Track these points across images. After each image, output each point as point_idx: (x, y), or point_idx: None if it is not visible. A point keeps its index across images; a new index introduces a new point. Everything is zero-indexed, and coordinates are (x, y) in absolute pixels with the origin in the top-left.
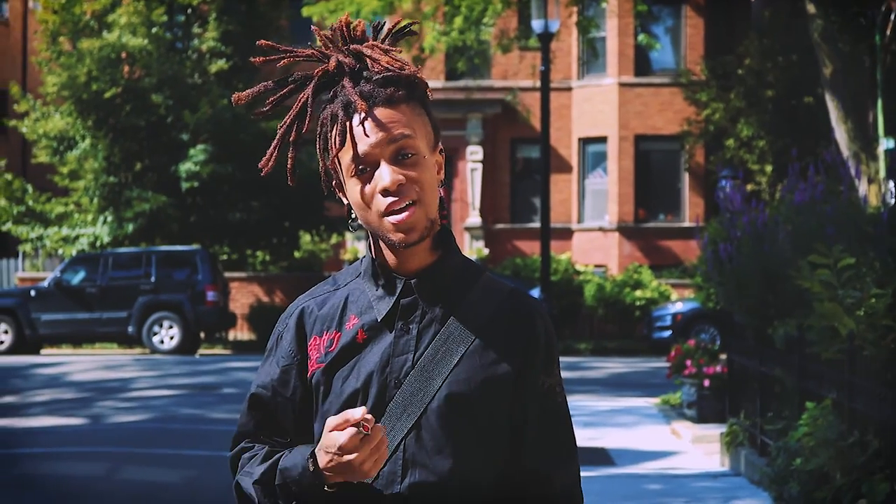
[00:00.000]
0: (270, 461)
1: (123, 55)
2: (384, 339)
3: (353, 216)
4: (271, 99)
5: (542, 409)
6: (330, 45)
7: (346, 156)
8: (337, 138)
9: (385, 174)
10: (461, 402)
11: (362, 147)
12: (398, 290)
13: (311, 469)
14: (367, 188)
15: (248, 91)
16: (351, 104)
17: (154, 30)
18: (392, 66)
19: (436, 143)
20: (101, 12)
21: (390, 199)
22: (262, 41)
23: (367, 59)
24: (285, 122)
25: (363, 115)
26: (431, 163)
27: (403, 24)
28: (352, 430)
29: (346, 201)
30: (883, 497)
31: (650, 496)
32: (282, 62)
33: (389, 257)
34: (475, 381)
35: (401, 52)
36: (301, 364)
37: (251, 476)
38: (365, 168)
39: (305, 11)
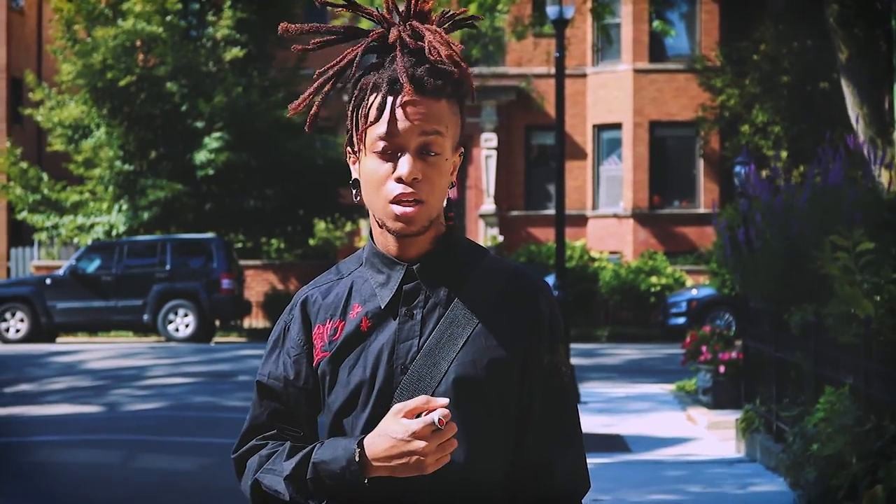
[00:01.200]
0: (301, 455)
1: (138, 43)
2: (389, 326)
3: (358, 190)
4: (317, 40)
5: (546, 388)
6: (392, 12)
7: (374, 131)
8: (374, 112)
9: (406, 164)
10: (469, 384)
11: (394, 130)
12: (400, 277)
13: (358, 459)
14: (384, 170)
15: (299, 25)
16: (398, 82)
17: (168, 18)
18: (450, 59)
19: (459, 145)
20: (116, 1)
21: (401, 189)
22: None
23: (427, 44)
24: (326, 71)
25: (406, 97)
26: (449, 165)
27: (468, 14)
28: (429, 418)
29: (355, 173)
30: None
31: (666, 482)
32: (343, 12)
33: (391, 244)
34: (482, 364)
35: (461, 46)
36: (309, 353)
37: (279, 472)
38: (388, 150)
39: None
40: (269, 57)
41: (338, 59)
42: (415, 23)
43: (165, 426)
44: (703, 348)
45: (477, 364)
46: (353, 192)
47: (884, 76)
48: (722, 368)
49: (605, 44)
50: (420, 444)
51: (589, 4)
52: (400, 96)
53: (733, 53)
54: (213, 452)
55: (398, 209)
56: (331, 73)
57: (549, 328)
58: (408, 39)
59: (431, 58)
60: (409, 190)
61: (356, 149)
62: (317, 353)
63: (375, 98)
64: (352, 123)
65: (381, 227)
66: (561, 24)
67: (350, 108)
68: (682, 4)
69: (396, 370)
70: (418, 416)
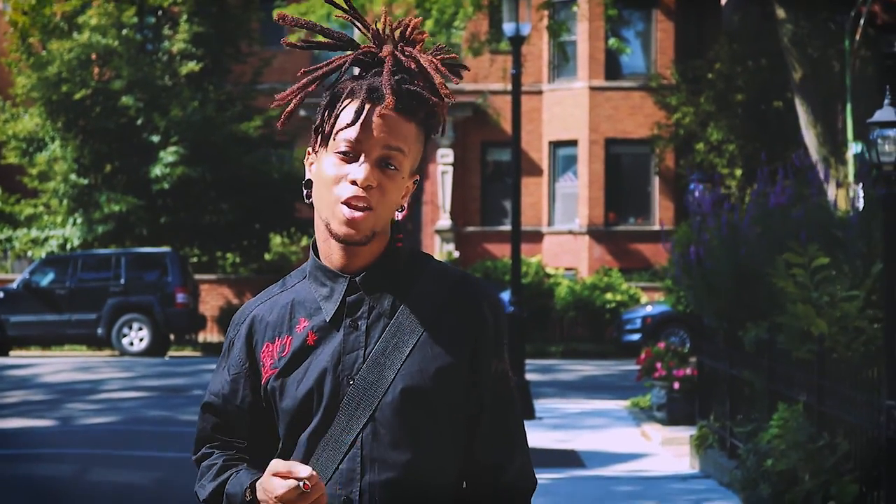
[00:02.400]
0: (220, 480)
1: (94, 56)
2: (334, 338)
3: (310, 189)
4: (315, 41)
5: (495, 394)
6: (386, 33)
7: (341, 132)
8: (348, 114)
9: (364, 170)
10: (415, 394)
11: (361, 136)
12: (343, 289)
13: (250, 500)
14: (341, 171)
15: (295, 17)
16: (377, 91)
17: (124, 31)
18: (440, 87)
19: (415, 172)
20: (72, 13)
21: (353, 192)
22: (279, 14)
23: (425, 62)
24: (314, 71)
25: (384, 109)
26: (403, 184)
27: (456, 62)
28: (292, 482)
29: (309, 173)
30: (852, 499)
31: (620, 498)
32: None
33: (335, 254)
34: (428, 372)
35: (456, 81)
36: (251, 372)
37: (204, 490)
38: (348, 151)
39: (276, 14)
40: (225, 71)
41: (328, 61)
42: (407, 48)
43: (119, 440)
44: (658, 365)
45: (423, 372)
46: (305, 192)
47: (837, 95)
48: (676, 385)
49: (562, 61)
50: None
51: (545, 22)
52: (377, 105)
53: (688, 72)
54: (167, 466)
55: (347, 211)
56: (319, 73)
57: (494, 334)
58: (402, 58)
59: (417, 81)
60: (362, 194)
61: (315, 148)
62: (265, 371)
63: (351, 102)
64: (320, 121)
65: (326, 232)
66: (517, 41)
67: (322, 106)
68: (637, 23)
69: (343, 382)
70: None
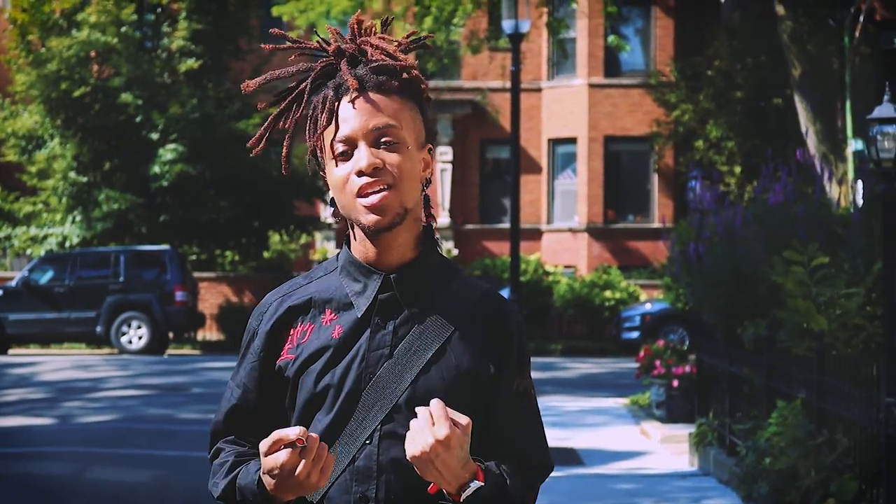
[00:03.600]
0: (231, 476)
1: (93, 54)
2: (361, 334)
3: (336, 206)
4: (278, 92)
5: (517, 412)
6: (338, 39)
7: (329, 136)
8: (325, 116)
9: (363, 155)
10: (432, 395)
11: (345, 128)
12: (377, 286)
13: (258, 491)
14: (345, 169)
15: (255, 80)
16: (342, 85)
17: (123, 29)
18: (390, 57)
19: (426, 142)
20: (71, 11)
21: (365, 181)
22: (275, 30)
23: (369, 48)
24: (281, 107)
25: (352, 95)
26: (416, 156)
27: (419, 35)
28: (287, 449)
29: (330, 192)
30: (851, 495)
31: (619, 496)
32: (290, 53)
33: (369, 251)
34: (448, 376)
35: (405, 48)
36: (270, 358)
37: (217, 488)
38: (346, 150)
39: (275, 11)
40: (224, 68)
41: (290, 88)
42: (360, 38)
43: (119, 438)
44: (657, 362)
45: (444, 378)
46: (332, 210)
47: (837, 93)
48: (675, 382)
49: (561, 58)
50: (296, 471)
51: (544, 19)
52: (346, 95)
53: (687, 69)
54: (167, 465)
55: (365, 201)
56: (284, 106)
57: (517, 352)
58: (348, 47)
59: (374, 58)
60: (373, 179)
61: (322, 164)
62: (283, 353)
63: (326, 104)
64: (309, 138)
65: (362, 232)
66: (516, 38)
67: (308, 130)
68: (637, 20)
69: (364, 378)
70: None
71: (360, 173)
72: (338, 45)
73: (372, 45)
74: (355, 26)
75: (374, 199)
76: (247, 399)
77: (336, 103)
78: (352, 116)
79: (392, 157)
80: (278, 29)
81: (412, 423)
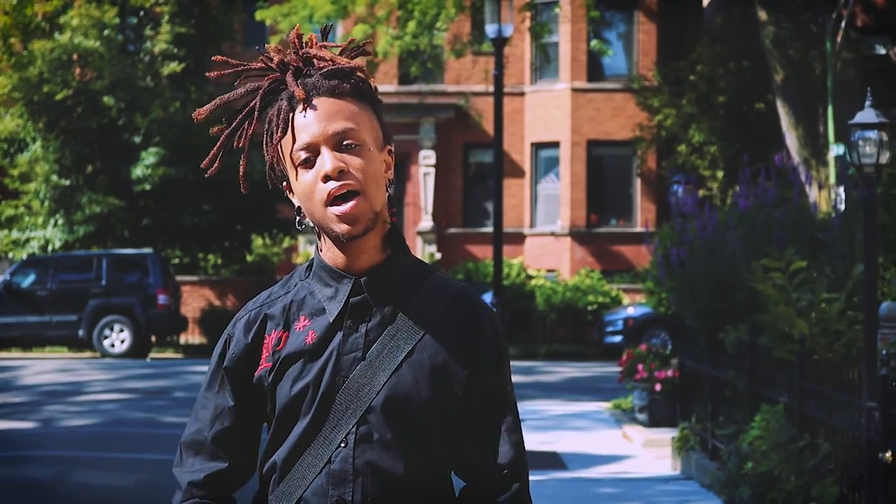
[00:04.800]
0: None
1: (75, 57)
2: (334, 338)
3: (302, 215)
4: (227, 117)
5: (494, 409)
6: (281, 53)
7: (289, 146)
8: (280, 126)
9: (327, 160)
10: (405, 398)
11: (304, 136)
12: (348, 290)
13: None
14: (310, 176)
15: (206, 106)
16: (290, 93)
17: (106, 32)
18: (336, 62)
19: (384, 143)
20: (53, 14)
21: (332, 185)
22: (217, 56)
23: (314, 59)
24: (231, 127)
25: (304, 102)
26: (378, 157)
27: (357, 42)
28: None
29: (295, 200)
30: (833, 500)
31: (602, 500)
32: (237, 75)
33: (338, 256)
34: (421, 378)
35: (349, 55)
36: (247, 364)
37: None
38: (308, 158)
39: (258, 15)
40: (207, 72)
41: (241, 110)
42: (302, 51)
43: (101, 442)
44: (640, 366)
45: (417, 379)
46: (297, 218)
47: (819, 97)
48: (658, 387)
49: (544, 62)
50: None
51: (527, 23)
52: (299, 104)
53: (670, 73)
54: (150, 469)
55: (336, 210)
56: (234, 125)
57: (493, 349)
58: (291, 59)
59: (320, 66)
60: (339, 183)
61: (283, 175)
62: (261, 364)
63: (280, 116)
64: (266, 151)
65: (331, 239)
66: (500, 42)
67: (265, 145)
68: (619, 24)
69: (337, 381)
70: None
71: (325, 178)
72: (281, 59)
73: (316, 56)
74: (296, 40)
75: (345, 207)
76: (225, 413)
77: (290, 114)
78: (310, 123)
79: (355, 161)
80: (220, 56)
81: None
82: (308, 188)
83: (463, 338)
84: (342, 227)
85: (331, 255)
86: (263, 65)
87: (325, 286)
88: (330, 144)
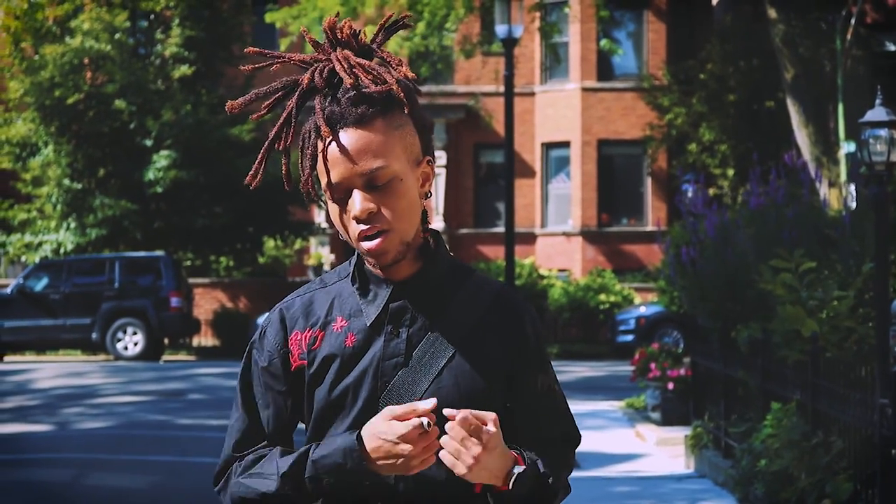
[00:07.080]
0: (297, 453)
1: (86, 61)
2: (374, 343)
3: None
4: (265, 105)
5: (544, 408)
6: (320, 50)
7: (322, 178)
8: (308, 162)
9: (356, 203)
10: (448, 402)
11: (333, 175)
12: (387, 295)
13: (358, 446)
14: (343, 212)
15: (241, 99)
16: (319, 128)
17: (117, 35)
18: (363, 81)
19: (422, 153)
20: (64, 18)
21: (360, 227)
22: (251, 48)
23: (344, 74)
24: (273, 132)
25: (328, 139)
26: (412, 182)
27: (394, 19)
28: (416, 421)
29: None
30: (847, 497)
31: (616, 499)
32: (273, 67)
33: (375, 265)
34: (463, 382)
35: (382, 56)
36: (285, 359)
37: (269, 474)
38: (338, 193)
39: (268, 17)
40: (217, 74)
41: (281, 116)
42: (333, 54)
43: (116, 444)
44: (652, 365)
45: (459, 382)
46: (326, 216)
47: (829, 95)
48: (671, 385)
49: (554, 62)
50: (407, 447)
51: (537, 23)
52: (326, 140)
53: (680, 72)
54: (164, 471)
55: (365, 245)
56: (276, 131)
57: (536, 348)
58: (318, 82)
59: (348, 85)
60: (367, 226)
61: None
62: (294, 360)
63: (308, 148)
64: (304, 168)
65: None
66: (510, 42)
67: (300, 156)
68: (629, 24)
69: (379, 386)
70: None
71: (355, 219)
72: (310, 78)
73: (346, 69)
74: (329, 33)
75: (373, 244)
76: (266, 400)
77: (318, 145)
78: (339, 161)
79: (387, 200)
80: (255, 49)
81: (445, 441)
82: (339, 219)
83: (504, 340)
84: (371, 259)
85: (368, 261)
86: (303, 60)
87: (364, 289)
88: (358, 184)
